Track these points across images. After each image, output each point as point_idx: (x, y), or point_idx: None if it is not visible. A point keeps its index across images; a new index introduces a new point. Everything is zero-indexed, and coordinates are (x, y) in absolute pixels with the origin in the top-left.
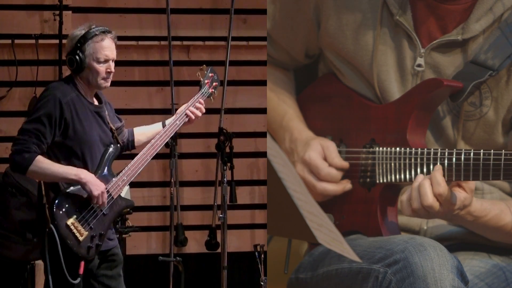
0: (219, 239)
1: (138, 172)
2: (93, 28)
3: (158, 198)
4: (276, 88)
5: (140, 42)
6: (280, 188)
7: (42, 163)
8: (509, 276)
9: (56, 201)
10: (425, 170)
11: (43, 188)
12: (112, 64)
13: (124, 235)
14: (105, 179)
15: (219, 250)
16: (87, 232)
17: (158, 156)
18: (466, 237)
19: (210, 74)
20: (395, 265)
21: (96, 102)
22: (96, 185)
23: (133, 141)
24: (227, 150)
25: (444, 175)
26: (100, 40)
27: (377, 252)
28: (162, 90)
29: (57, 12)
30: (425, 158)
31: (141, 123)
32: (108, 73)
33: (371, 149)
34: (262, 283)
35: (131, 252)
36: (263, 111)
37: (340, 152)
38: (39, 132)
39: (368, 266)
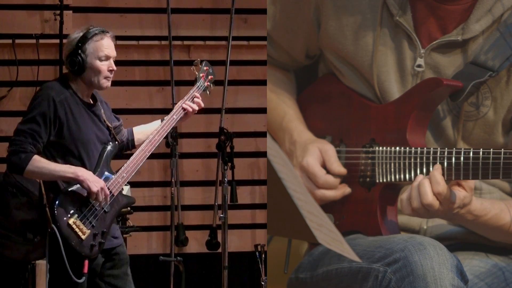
0: (219, 239)
1: (137, 168)
2: (92, 28)
3: (159, 198)
4: (276, 89)
5: (141, 42)
6: (280, 188)
7: (39, 162)
8: (509, 276)
9: (57, 201)
10: (425, 169)
11: (43, 188)
12: (113, 63)
13: (125, 235)
14: (105, 177)
15: (219, 250)
16: (89, 231)
17: (158, 156)
18: (466, 237)
19: (205, 68)
20: (394, 264)
21: (90, 101)
22: (94, 182)
23: (133, 140)
24: (228, 149)
25: (443, 174)
26: (100, 39)
27: (377, 251)
28: (162, 90)
29: (58, 12)
30: (424, 158)
31: (142, 123)
32: (110, 71)
33: (371, 149)
34: (262, 283)
35: (131, 252)
36: (263, 110)
37: (340, 152)
38: (34, 132)
39: (368, 266)
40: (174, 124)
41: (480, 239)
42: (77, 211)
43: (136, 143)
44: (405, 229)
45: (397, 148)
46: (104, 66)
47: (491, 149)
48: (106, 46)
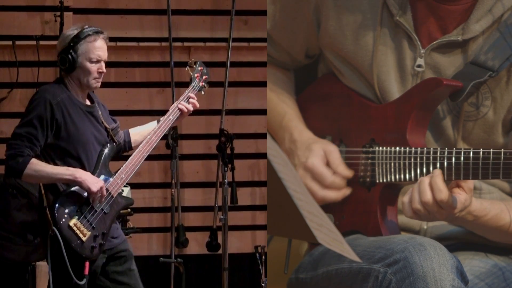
0: (220, 240)
1: (136, 169)
2: (86, 28)
3: (159, 199)
4: (276, 88)
5: (141, 43)
6: (280, 188)
7: (37, 165)
8: (509, 276)
9: (57, 203)
10: (424, 170)
11: (42, 190)
12: (103, 65)
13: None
14: (104, 178)
15: (220, 251)
16: (89, 232)
17: (159, 158)
18: (466, 237)
19: (199, 68)
20: (395, 265)
21: (88, 102)
22: (93, 182)
23: (129, 141)
24: (228, 151)
25: (443, 175)
26: (93, 40)
27: (377, 252)
28: (163, 91)
29: (58, 13)
30: (424, 158)
31: (142, 124)
32: (100, 73)
33: (371, 149)
34: (262, 284)
35: None
36: (264, 112)
37: (340, 152)
38: (31, 135)
39: (368, 266)
40: (171, 125)
41: (480, 239)
42: (78, 212)
43: (133, 145)
44: (405, 229)
45: (397, 148)
46: (94, 67)
47: (491, 149)
48: (98, 48)
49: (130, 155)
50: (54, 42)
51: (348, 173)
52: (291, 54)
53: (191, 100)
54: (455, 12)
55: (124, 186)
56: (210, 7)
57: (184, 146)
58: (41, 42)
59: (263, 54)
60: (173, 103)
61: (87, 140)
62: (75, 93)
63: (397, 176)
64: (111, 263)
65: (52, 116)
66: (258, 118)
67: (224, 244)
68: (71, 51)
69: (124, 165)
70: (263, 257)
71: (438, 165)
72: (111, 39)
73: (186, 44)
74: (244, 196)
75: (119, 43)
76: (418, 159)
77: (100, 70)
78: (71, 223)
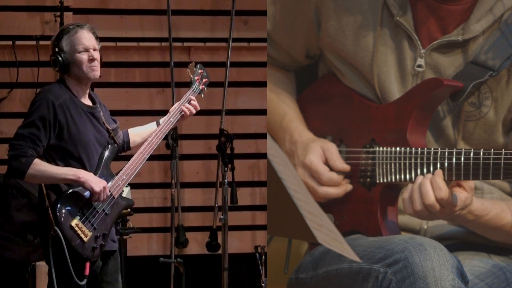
0: (220, 240)
1: (137, 171)
2: (67, 26)
3: (159, 199)
4: (276, 89)
5: (141, 44)
6: (280, 188)
7: (40, 166)
8: (509, 276)
9: (59, 203)
10: (425, 170)
11: (44, 190)
12: (94, 53)
13: (125, 237)
14: (105, 179)
15: (220, 252)
16: (91, 233)
17: (159, 158)
18: (466, 237)
19: (199, 71)
20: (395, 265)
21: (89, 103)
22: (96, 182)
23: (128, 142)
24: (228, 151)
25: (444, 175)
26: (74, 33)
27: (377, 252)
28: (163, 91)
29: (58, 13)
30: (425, 158)
31: (142, 124)
32: (91, 60)
33: (371, 149)
34: (262, 284)
35: (132, 253)
36: (264, 112)
37: (340, 152)
38: (34, 136)
39: (368, 266)
40: (171, 127)
41: (481, 239)
42: (79, 213)
43: (131, 145)
44: (405, 229)
45: (398, 148)
46: (84, 56)
47: (492, 150)
48: (81, 38)
49: (130, 156)
50: None
51: (345, 166)
52: (291, 54)
53: (192, 102)
54: (455, 12)
55: (124, 186)
56: (210, 7)
57: (184, 146)
58: (41, 42)
59: (263, 54)
60: (173, 103)
61: (89, 142)
62: (76, 93)
63: (398, 176)
64: (103, 269)
65: (54, 117)
66: (258, 118)
67: (224, 244)
68: (57, 50)
69: (125, 166)
70: (263, 257)
71: (438, 166)
72: (111, 39)
73: (186, 44)
74: (244, 196)
75: (119, 43)
76: (419, 160)
77: (91, 57)
78: (73, 223)
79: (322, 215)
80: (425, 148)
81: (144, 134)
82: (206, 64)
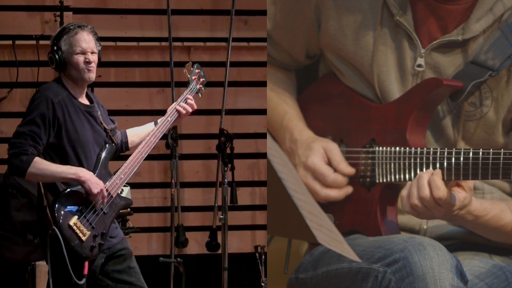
0: (219, 240)
1: (135, 170)
2: (68, 25)
3: (159, 199)
4: (276, 88)
5: (141, 43)
6: (280, 188)
7: (41, 164)
8: (510, 276)
9: (57, 202)
10: (425, 170)
11: (42, 189)
12: (91, 56)
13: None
14: (103, 178)
15: (219, 251)
16: (89, 232)
17: (159, 157)
18: (466, 237)
19: (196, 71)
20: (394, 265)
21: (87, 102)
22: (95, 183)
23: (126, 142)
24: (228, 151)
25: (443, 175)
26: (74, 34)
27: (376, 251)
28: (163, 91)
29: (58, 13)
30: (424, 158)
31: (142, 124)
32: (87, 63)
33: (371, 149)
34: (262, 284)
35: None
36: (263, 112)
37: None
38: (34, 133)
39: (368, 266)
40: (169, 126)
41: (481, 239)
42: (78, 212)
43: (130, 145)
44: (405, 229)
45: (397, 148)
46: (80, 58)
47: (491, 150)
48: (80, 40)
49: (128, 156)
50: None
51: (350, 170)
52: (291, 54)
53: (188, 101)
54: (455, 11)
55: (124, 185)
56: (210, 7)
57: (184, 146)
58: (41, 42)
59: (263, 54)
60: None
61: (86, 141)
62: (73, 92)
63: (397, 176)
64: (110, 262)
65: (54, 115)
66: (258, 118)
67: (224, 244)
68: (55, 48)
69: (123, 165)
70: (263, 257)
71: (438, 165)
72: (111, 39)
73: (186, 44)
74: (244, 196)
75: (119, 43)
76: (418, 159)
77: (87, 60)
78: (71, 223)
79: (322, 215)
80: (425, 148)
81: (142, 134)
82: (206, 64)
